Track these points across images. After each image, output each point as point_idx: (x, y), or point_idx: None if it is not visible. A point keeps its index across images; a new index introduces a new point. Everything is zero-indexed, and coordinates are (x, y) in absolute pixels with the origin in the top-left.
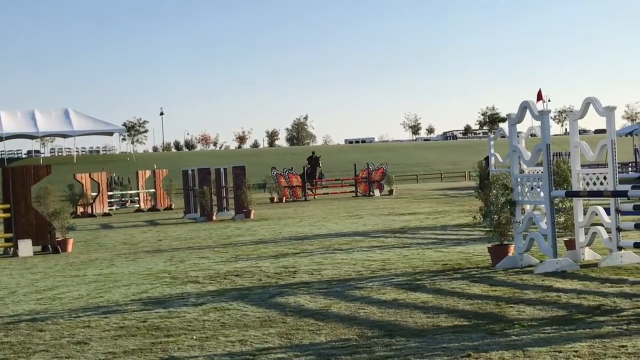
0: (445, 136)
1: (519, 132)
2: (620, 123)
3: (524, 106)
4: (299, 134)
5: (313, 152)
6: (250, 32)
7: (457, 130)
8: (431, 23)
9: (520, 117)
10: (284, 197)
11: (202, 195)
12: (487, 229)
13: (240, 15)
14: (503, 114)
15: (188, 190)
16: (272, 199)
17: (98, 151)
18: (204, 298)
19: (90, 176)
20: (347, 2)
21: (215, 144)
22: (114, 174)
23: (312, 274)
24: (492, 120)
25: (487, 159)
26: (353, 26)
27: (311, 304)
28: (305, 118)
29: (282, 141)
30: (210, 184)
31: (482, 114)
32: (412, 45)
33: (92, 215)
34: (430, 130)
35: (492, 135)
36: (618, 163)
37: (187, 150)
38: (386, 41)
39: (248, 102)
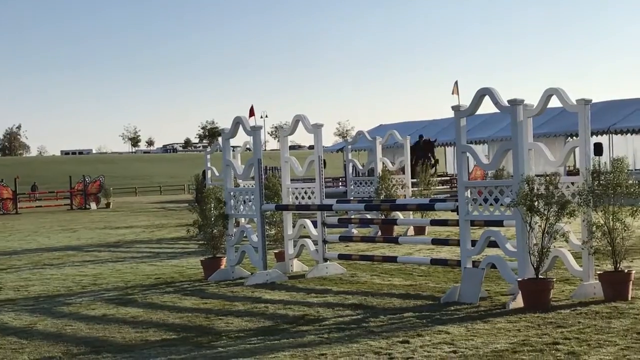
0: (166, 149)
1: (235, 147)
2: (332, 139)
3: (237, 122)
4: (11, 144)
5: (421, 136)
6: None
7: (177, 143)
8: (152, 35)
9: (233, 132)
10: None
11: None
12: (201, 242)
13: None
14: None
15: None
16: None
17: None
18: None
19: None
20: (74, 11)
21: None
22: None
23: (19, 290)
24: (211, 134)
25: (204, 172)
26: (68, 32)
27: (15, 321)
28: (19, 127)
29: None
30: None
31: (202, 128)
32: (135, 55)
33: None
34: (150, 143)
35: (209, 149)
36: (330, 178)
37: None
38: (105, 49)
39: None
